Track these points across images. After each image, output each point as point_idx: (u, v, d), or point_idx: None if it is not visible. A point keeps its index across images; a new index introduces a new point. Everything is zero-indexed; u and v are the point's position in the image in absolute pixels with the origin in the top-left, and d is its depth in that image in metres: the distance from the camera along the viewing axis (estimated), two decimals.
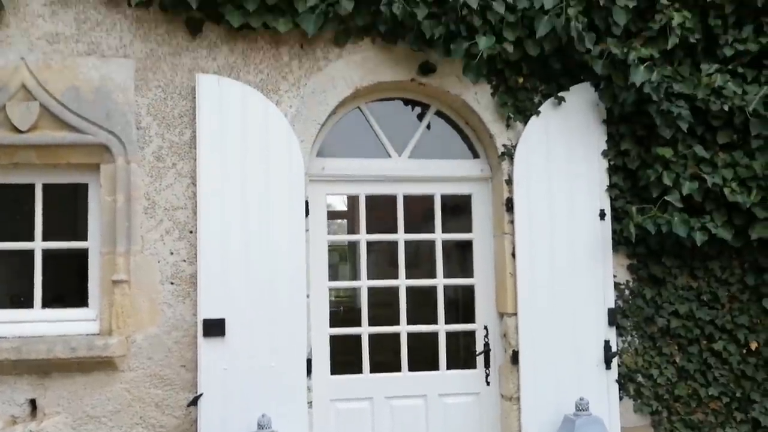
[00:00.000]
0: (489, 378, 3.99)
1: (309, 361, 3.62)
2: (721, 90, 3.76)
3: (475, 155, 4.13)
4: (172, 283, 3.60)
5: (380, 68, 3.83)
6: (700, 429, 3.93)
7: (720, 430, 3.93)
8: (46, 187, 3.73)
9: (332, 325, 3.94)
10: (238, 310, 3.53)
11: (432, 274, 4.07)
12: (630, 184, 3.97)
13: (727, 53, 3.90)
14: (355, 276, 3.99)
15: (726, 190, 3.74)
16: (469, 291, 4.11)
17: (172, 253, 3.61)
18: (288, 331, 3.57)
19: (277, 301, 3.57)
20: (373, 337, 3.97)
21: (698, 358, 3.96)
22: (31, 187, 3.71)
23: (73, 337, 3.51)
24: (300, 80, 3.76)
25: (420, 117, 4.12)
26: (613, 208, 3.94)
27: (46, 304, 3.69)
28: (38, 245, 3.69)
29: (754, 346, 3.95)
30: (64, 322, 3.65)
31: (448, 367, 4.01)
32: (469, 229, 4.10)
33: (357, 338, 3.95)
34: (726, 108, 3.75)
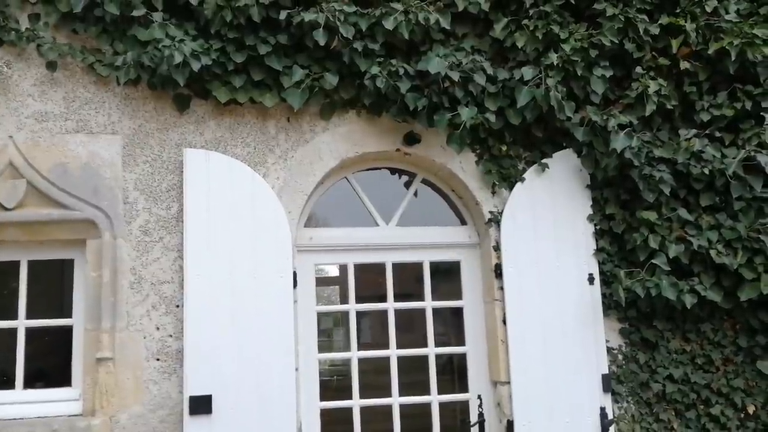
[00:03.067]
0: None
1: None
2: (700, 154, 3.80)
3: (463, 222, 4.11)
4: (158, 360, 3.48)
5: (366, 139, 3.85)
6: None
7: None
8: (32, 264, 3.65)
9: (325, 394, 3.81)
10: (225, 387, 3.41)
11: (425, 340, 3.96)
12: (617, 248, 3.94)
13: (703, 118, 3.96)
14: (347, 343, 3.88)
15: (712, 252, 3.72)
16: (463, 358, 4.01)
17: (158, 329, 3.51)
18: (277, 407, 3.44)
19: (266, 376, 3.46)
20: (365, 408, 3.82)
21: (696, 424, 3.83)
22: (16, 264, 3.63)
23: (54, 419, 3.37)
24: (287, 152, 3.77)
25: (407, 185, 4.13)
26: (601, 272, 3.90)
27: (28, 383, 3.55)
28: (22, 323, 3.59)
29: (751, 410, 3.84)
30: (46, 402, 3.51)
31: None
32: (459, 294, 4.04)
33: (348, 411, 3.80)
34: (706, 171, 3.78)
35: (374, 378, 4.04)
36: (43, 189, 3.52)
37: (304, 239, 3.85)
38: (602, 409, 3.74)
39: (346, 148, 3.82)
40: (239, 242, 3.56)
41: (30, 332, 3.61)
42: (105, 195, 3.57)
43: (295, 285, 3.64)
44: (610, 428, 3.73)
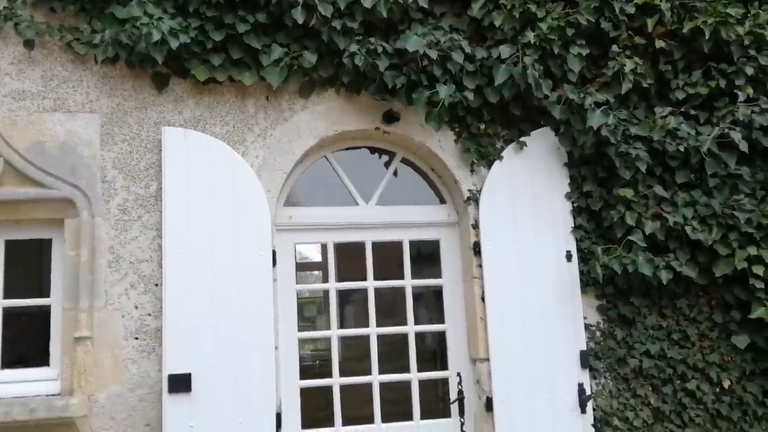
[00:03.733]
0: (464, 427, 3.84)
1: (279, 416, 3.47)
2: (675, 132, 3.84)
3: (442, 201, 4.12)
4: (136, 338, 3.46)
5: (345, 118, 3.85)
6: None
7: None
8: (9, 244, 3.62)
9: (305, 377, 3.80)
10: (204, 365, 3.40)
11: (405, 320, 3.97)
12: (594, 225, 3.97)
13: (678, 96, 4.00)
14: (329, 326, 3.89)
15: (688, 229, 3.76)
16: (443, 337, 4.02)
17: (136, 308, 3.49)
18: (257, 385, 3.43)
19: (246, 354, 3.45)
20: (346, 390, 3.82)
21: (673, 399, 3.87)
22: None
23: (32, 399, 3.32)
24: (266, 131, 3.76)
25: (386, 165, 4.12)
26: (579, 249, 3.92)
27: (6, 364, 3.51)
28: None
29: (726, 384, 3.88)
30: (24, 382, 3.47)
31: (423, 417, 3.86)
32: (439, 274, 4.04)
33: (329, 390, 3.81)
34: (682, 149, 3.81)
35: (356, 365, 4.04)
36: (21, 168, 3.49)
37: (284, 218, 3.85)
38: (580, 385, 3.76)
39: (325, 126, 3.82)
40: (218, 221, 3.55)
41: (7, 313, 3.58)
42: (83, 174, 3.54)
43: (274, 264, 3.63)
44: (588, 404, 3.75)
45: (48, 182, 3.51)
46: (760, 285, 3.73)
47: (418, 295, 4.13)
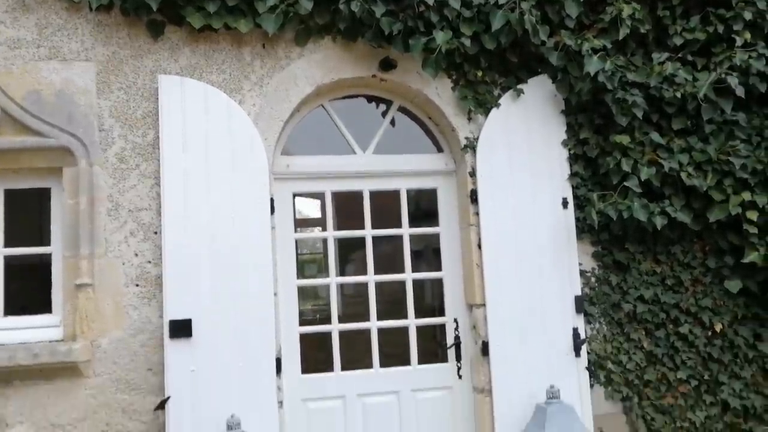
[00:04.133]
0: (461, 371, 3.92)
1: (279, 360, 3.53)
2: (672, 78, 3.83)
3: (439, 149, 4.13)
4: (137, 285, 3.50)
5: (341, 65, 3.83)
6: (671, 413, 3.89)
7: (690, 413, 3.90)
8: (9, 193, 3.63)
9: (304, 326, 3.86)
10: (205, 311, 3.44)
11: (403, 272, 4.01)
12: (590, 172, 3.99)
13: (676, 42, 3.98)
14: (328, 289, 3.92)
15: (683, 175, 3.78)
16: (440, 286, 4.06)
17: (136, 255, 3.52)
18: (256, 330, 3.48)
19: (245, 300, 3.49)
20: (344, 337, 3.88)
21: (665, 343, 3.94)
22: None
23: (35, 344, 3.37)
24: (263, 79, 3.74)
25: (383, 114, 4.11)
26: (575, 197, 3.95)
27: (8, 311, 3.56)
28: (0, 252, 3.58)
29: (718, 328, 3.95)
30: (27, 329, 3.51)
31: (420, 362, 3.93)
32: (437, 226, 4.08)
33: (328, 338, 3.86)
34: (678, 95, 3.81)
35: (355, 319, 4.06)
36: (18, 116, 3.48)
37: (281, 167, 3.86)
38: (575, 330, 3.83)
39: (321, 74, 3.80)
40: (216, 169, 3.56)
41: (9, 262, 3.61)
42: (80, 122, 3.54)
43: (272, 212, 3.66)
44: (583, 347, 3.82)
45: (45, 131, 3.51)
46: (754, 230, 3.77)
47: (417, 252, 4.15)
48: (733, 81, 3.77)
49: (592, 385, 3.84)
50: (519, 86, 3.92)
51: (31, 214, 3.97)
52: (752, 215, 3.75)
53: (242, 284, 3.50)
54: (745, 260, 3.79)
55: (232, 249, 3.52)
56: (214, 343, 3.44)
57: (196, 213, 3.51)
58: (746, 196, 3.76)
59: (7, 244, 3.60)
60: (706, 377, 3.94)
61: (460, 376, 3.92)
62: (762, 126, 3.91)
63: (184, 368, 3.39)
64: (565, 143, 3.95)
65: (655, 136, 3.85)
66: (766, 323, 4.01)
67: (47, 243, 3.62)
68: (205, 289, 3.46)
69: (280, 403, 3.55)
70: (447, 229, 4.05)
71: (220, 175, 3.56)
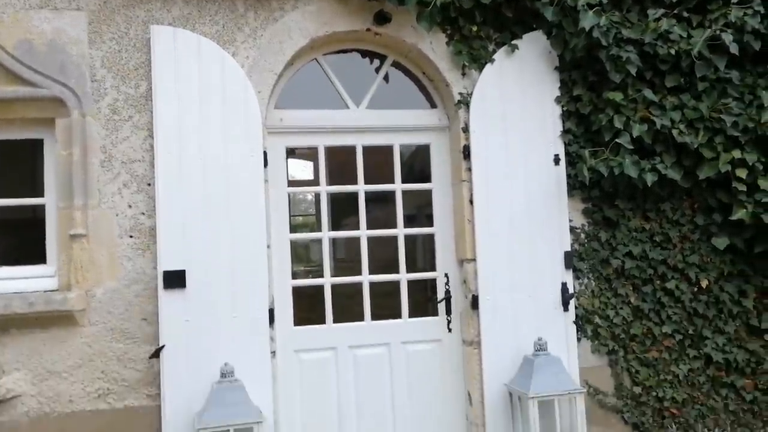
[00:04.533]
0: (450, 324, 3.99)
1: (271, 312, 3.59)
2: (667, 34, 3.82)
3: (433, 105, 4.12)
4: (131, 237, 3.52)
5: (335, 18, 3.79)
6: (655, 366, 3.98)
7: (674, 366, 4.00)
8: (1, 144, 3.61)
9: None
10: (199, 262, 3.48)
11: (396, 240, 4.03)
12: (583, 129, 3.99)
13: None
14: (321, 249, 3.95)
15: (674, 132, 3.80)
16: (432, 243, 4.10)
17: (130, 206, 3.53)
18: (249, 282, 3.53)
19: (239, 251, 3.52)
20: (336, 295, 3.91)
21: (652, 298, 4.01)
22: None
23: (31, 293, 3.40)
24: (256, 31, 3.71)
25: (377, 69, 4.09)
26: (567, 153, 3.97)
27: (3, 262, 3.58)
28: None
29: (704, 284, 4.02)
30: (21, 279, 3.53)
31: (411, 316, 4.00)
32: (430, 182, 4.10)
33: (320, 293, 3.90)
34: (673, 52, 3.81)
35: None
36: (9, 66, 3.45)
37: (275, 120, 3.85)
38: (563, 285, 3.89)
39: (315, 27, 3.77)
40: (209, 121, 3.55)
41: (3, 214, 3.61)
42: (72, 72, 3.51)
43: (266, 165, 3.66)
44: (571, 302, 3.89)
45: (37, 81, 3.48)
46: (743, 188, 3.80)
47: (410, 216, 4.16)
48: (727, 38, 3.77)
49: (579, 339, 3.92)
50: (514, 42, 3.90)
51: (23, 165, 3.97)
52: (741, 173, 3.78)
53: (236, 236, 3.53)
54: (733, 217, 3.84)
55: (226, 201, 3.53)
56: (207, 293, 3.48)
57: (189, 165, 3.51)
58: (736, 153, 3.79)
59: (0, 196, 3.61)
60: (690, 332, 4.03)
61: (449, 330, 3.99)
62: (755, 84, 3.92)
63: (178, 318, 3.44)
64: (558, 100, 3.95)
65: (648, 93, 3.85)
66: (751, 280, 4.08)
67: (40, 194, 3.62)
68: (199, 240, 3.49)
69: (273, 353, 3.61)
70: (439, 186, 4.07)
71: (213, 127, 3.55)
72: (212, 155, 3.54)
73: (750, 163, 3.78)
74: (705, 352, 4.02)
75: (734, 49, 3.81)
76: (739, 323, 4.08)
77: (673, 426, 3.96)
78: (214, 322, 3.47)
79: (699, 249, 4.05)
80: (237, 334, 3.49)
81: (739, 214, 3.81)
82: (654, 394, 3.97)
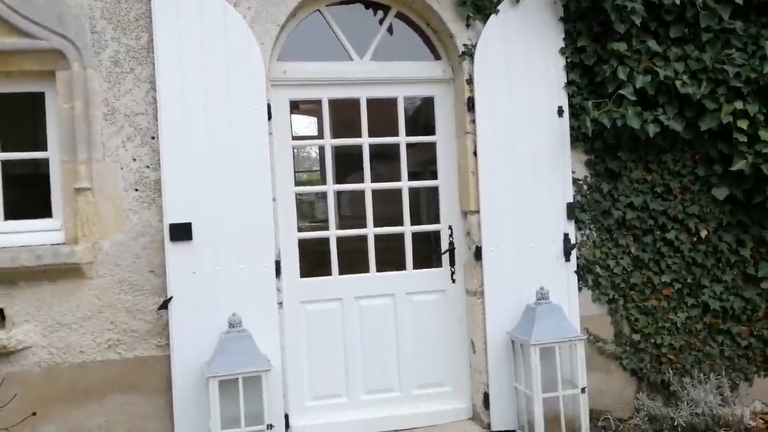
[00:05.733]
0: (454, 275, 4.05)
1: (278, 263, 3.62)
2: None
3: (437, 57, 4.09)
4: (136, 190, 3.53)
5: None
6: (654, 314, 4.08)
7: (672, 314, 4.09)
8: (1, 98, 3.57)
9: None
10: (204, 214, 3.49)
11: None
12: (587, 81, 3.98)
13: None
14: (326, 205, 3.96)
15: (677, 83, 3.81)
16: (436, 195, 4.12)
17: (134, 160, 3.53)
18: (255, 234, 3.55)
19: (244, 204, 3.54)
20: (342, 249, 3.95)
21: (652, 248, 4.08)
22: None
23: (38, 247, 3.41)
24: None
25: (381, 21, 4.04)
26: (570, 105, 3.96)
27: (8, 216, 3.57)
28: None
29: (704, 234, 4.08)
30: (28, 233, 3.53)
31: (415, 267, 4.05)
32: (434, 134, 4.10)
33: (326, 245, 3.94)
34: (677, 2, 3.78)
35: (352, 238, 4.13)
36: (4, 15, 3.39)
37: (278, 73, 3.82)
38: (566, 235, 3.94)
39: None
40: (212, 73, 3.52)
41: (6, 169, 3.59)
42: (71, 24, 3.45)
43: (269, 118, 3.65)
44: (573, 252, 3.95)
45: (35, 32, 3.42)
46: (743, 138, 3.83)
47: (414, 173, 4.14)
48: None
49: (580, 289, 3.99)
50: None
51: (25, 119, 3.94)
52: (743, 124, 3.81)
53: (241, 189, 3.54)
54: (734, 168, 3.88)
55: (231, 154, 3.53)
56: (214, 245, 3.51)
57: (193, 118, 3.49)
58: (738, 105, 3.80)
59: (3, 150, 3.59)
60: (689, 281, 4.11)
61: (453, 280, 4.06)
62: (758, 34, 3.91)
63: (185, 270, 3.47)
64: (562, 51, 3.93)
65: (652, 44, 3.84)
66: (749, 229, 4.15)
67: (44, 148, 3.60)
68: (204, 193, 3.50)
69: (280, 304, 3.66)
70: (444, 138, 4.08)
71: (216, 79, 3.52)
72: (216, 108, 3.52)
73: (751, 114, 3.80)
74: (703, 300, 4.11)
75: None
76: (737, 272, 4.16)
77: (671, 371, 4.08)
78: (222, 273, 3.51)
79: (699, 200, 4.10)
80: (244, 285, 3.53)
81: (739, 165, 3.85)
82: (652, 341, 4.07)
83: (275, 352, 3.55)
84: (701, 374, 4.09)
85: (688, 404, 3.90)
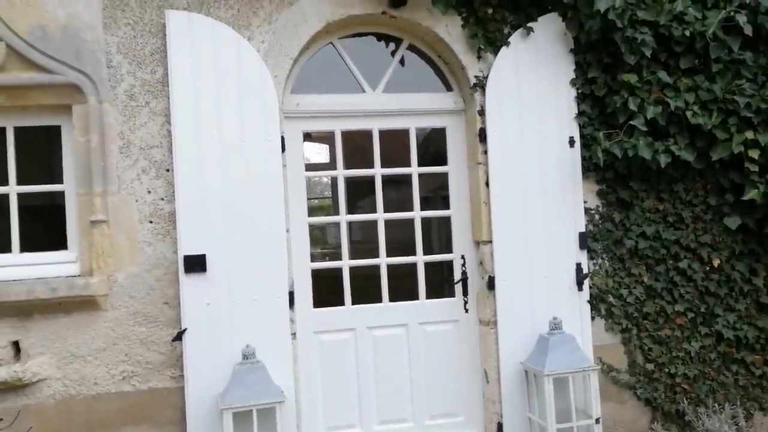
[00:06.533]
0: (467, 305, 4.07)
1: (291, 294, 3.65)
2: (682, 16, 3.85)
3: (449, 88, 4.14)
4: (150, 222, 3.57)
5: (351, 1, 3.78)
6: (668, 344, 4.09)
7: (686, 343, 4.10)
8: (19, 131, 3.62)
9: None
10: (218, 246, 3.53)
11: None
12: (598, 111, 4.03)
13: None
14: (338, 232, 3.99)
15: (688, 113, 3.85)
16: (449, 225, 4.15)
17: (149, 192, 3.57)
18: (269, 265, 3.58)
19: (258, 235, 3.57)
20: (354, 278, 3.98)
21: (665, 277, 4.10)
22: (2, 131, 3.58)
23: (53, 279, 3.45)
24: (271, 15, 3.71)
25: (393, 53, 4.10)
26: (582, 136, 4.00)
27: (24, 248, 3.61)
28: (13, 189, 3.59)
29: (716, 263, 4.10)
30: (43, 265, 3.57)
31: (428, 297, 4.07)
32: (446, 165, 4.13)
33: (339, 276, 3.97)
34: (687, 33, 3.84)
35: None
36: (23, 52, 3.45)
37: (291, 105, 3.87)
38: (578, 265, 3.96)
39: (331, 10, 3.76)
40: (226, 106, 3.57)
41: (23, 201, 3.62)
42: (88, 59, 3.51)
43: (283, 149, 3.70)
44: (585, 282, 3.97)
45: (53, 67, 3.48)
46: (755, 168, 3.86)
47: (426, 198, 4.19)
48: (741, 19, 3.80)
49: (593, 318, 4.01)
50: (529, 24, 3.91)
51: (42, 152, 4.00)
52: (754, 153, 3.84)
53: (255, 220, 3.57)
54: (745, 197, 3.91)
55: (244, 186, 3.57)
56: (228, 277, 3.53)
57: (207, 150, 3.54)
58: (749, 134, 3.83)
59: (19, 183, 3.64)
60: (702, 310, 4.12)
61: (466, 310, 4.08)
62: (767, 65, 3.97)
63: (199, 302, 3.50)
64: (573, 82, 3.98)
65: (663, 75, 3.88)
66: (762, 258, 4.17)
67: (60, 181, 3.64)
68: (218, 225, 3.53)
69: (293, 335, 3.68)
70: (455, 168, 4.11)
71: (230, 112, 3.58)
72: (230, 140, 3.57)
73: (762, 144, 3.83)
74: (716, 330, 4.12)
75: (748, 30, 3.84)
76: (750, 301, 4.17)
77: (685, 401, 4.08)
78: (235, 305, 3.53)
79: (711, 229, 4.13)
80: (258, 316, 3.55)
81: (751, 194, 3.88)
82: (666, 370, 4.07)
83: (289, 383, 3.57)
84: (716, 404, 4.09)
85: None
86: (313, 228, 4.00)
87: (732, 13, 3.82)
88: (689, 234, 4.09)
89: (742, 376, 4.17)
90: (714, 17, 3.85)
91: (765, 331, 4.16)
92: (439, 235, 4.38)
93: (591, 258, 4.03)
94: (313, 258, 3.98)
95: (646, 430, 4.09)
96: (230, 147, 3.57)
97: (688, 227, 4.11)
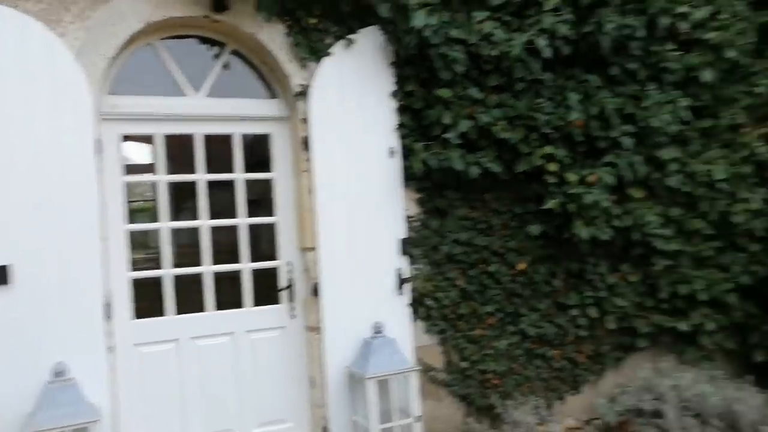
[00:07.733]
0: (294, 312, 4.47)
1: (108, 306, 3.81)
2: (490, 36, 4.54)
3: (273, 95, 4.55)
4: None
5: (171, 3, 4.05)
6: (479, 342, 4.79)
7: (496, 341, 4.82)
8: None
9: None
10: (24, 256, 3.60)
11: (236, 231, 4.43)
12: (416, 124, 4.63)
13: (495, 2, 4.67)
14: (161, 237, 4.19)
15: (496, 129, 4.55)
16: (275, 231, 4.54)
17: None
18: (82, 276, 3.72)
19: (69, 245, 3.69)
20: (179, 285, 4.22)
21: (477, 280, 4.80)
22: None
23: None
24: (84, 11, 3.85)
25: (217, 57, 4.42)
26: (402, 146, 4.59)
27: None
28: None
29: (521, 267, 4.89)
30: None
31: (256, 304, 4.43)
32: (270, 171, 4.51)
33: (161, 284, 4.20)
34: (495, 53, 4.53)
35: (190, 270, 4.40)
36: None
37: (108, 107, 4.04)
38: (398, 270, 4.52)
39: (149, 10, 4.00)
40: (35, 107, 3.66)
41: None
42: None
43: (100, 153, 3.84)
44: (405, 286, 4.54)
45: None
46: (553, 180, 4.68)
47: (253, 201, 4.52)
48: (541, 43, 4.56)
49: (414, 320, 4.59)
50: (350, 36, 4.44)
51: None
52: (552, 167, 4.65)
53: (67, 228, 3.69)
54: (545, 207, 4.71)
55: (56, 192, 3.68)
56: (36, 289, 3.62)
57: (12, 156, 3.60)
58: (548, 149, 4.64)
59: None
60: (509, 310, 4.89)
61: (293, 317, 4.48)
62: (564, 86, 4.79)
63: (3, 316, 3.54)
64: (393, 94, 4.55)
65: (474, 92, 4.57)
66: (561, 262, 5.02)
67: None
68: (25, 234, 3.61)
69: (110, 348, 3.84)
70: (281, 175, 4.53)
71: (41, 113, 3.67)
72: (40, 144, 3.66)
73: (559, 158, 4.65)
74: (521, 328, 4.91)
75: (548, 53, 4.62)
76: (550, 301, 5.01)
77: (495, 395, 4.78)
78: (45, 319, 3.63)
79: (517, 235, 4.92)
80: (70, 331, 3.68)
81: (550, 204, 4.68)
82: (478, 367, 4.78)
83: (106, 401, 3.73)
84: (521, 396, 4.84)
85: (511, 425, 4.61)
86: (136, 231, 4.15)
87: (533, 37, 4.54)
88: (498, 240, 4.84)
89: (543, 370, 4.99)
90: (518, 39, 4.56)
91: (562, 328, 5.02)
92: (269, 238, 4.71)
93: (412, 263, 4.62)
94: (137, 264, 4.19)
95: (461, 424, 4.73)
96: (40, 151, 3.66)
97: (497, 234, 4.84)
